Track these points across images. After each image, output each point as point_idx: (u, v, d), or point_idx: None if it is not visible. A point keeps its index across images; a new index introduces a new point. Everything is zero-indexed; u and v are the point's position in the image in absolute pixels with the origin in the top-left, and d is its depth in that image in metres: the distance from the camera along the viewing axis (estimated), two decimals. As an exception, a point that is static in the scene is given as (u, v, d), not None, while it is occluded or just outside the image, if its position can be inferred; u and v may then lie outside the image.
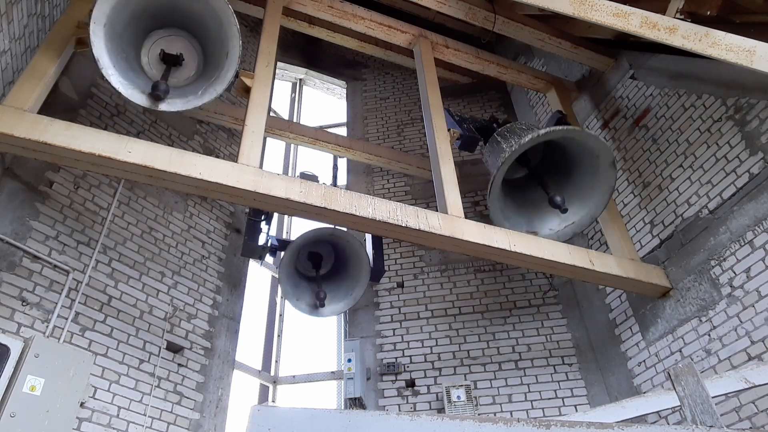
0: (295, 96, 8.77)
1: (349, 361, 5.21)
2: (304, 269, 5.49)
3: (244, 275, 5.90)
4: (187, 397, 4.64)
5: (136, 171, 3.55)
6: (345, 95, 8.54)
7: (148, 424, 4.24)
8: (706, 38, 3.72)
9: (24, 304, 3.89)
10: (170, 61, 4.25)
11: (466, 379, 5.29)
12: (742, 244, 3.92)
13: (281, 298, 6.49)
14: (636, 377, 4.71)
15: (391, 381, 5.44)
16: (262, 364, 5.95)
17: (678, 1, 4.12)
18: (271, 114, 7.38)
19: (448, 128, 4.95)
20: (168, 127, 5.83)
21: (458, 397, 4.97)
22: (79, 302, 4.21)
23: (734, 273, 3.95)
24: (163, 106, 3.87)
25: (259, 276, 6.59)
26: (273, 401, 5.81)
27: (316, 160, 11.84)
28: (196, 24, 4.23)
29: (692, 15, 4.09)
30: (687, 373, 1.86)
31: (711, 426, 1.72)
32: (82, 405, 3.84)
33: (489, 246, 4.16)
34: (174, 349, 4.70)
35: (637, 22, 4.05)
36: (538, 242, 4.37)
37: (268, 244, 5.24)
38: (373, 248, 5.57)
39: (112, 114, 5.30)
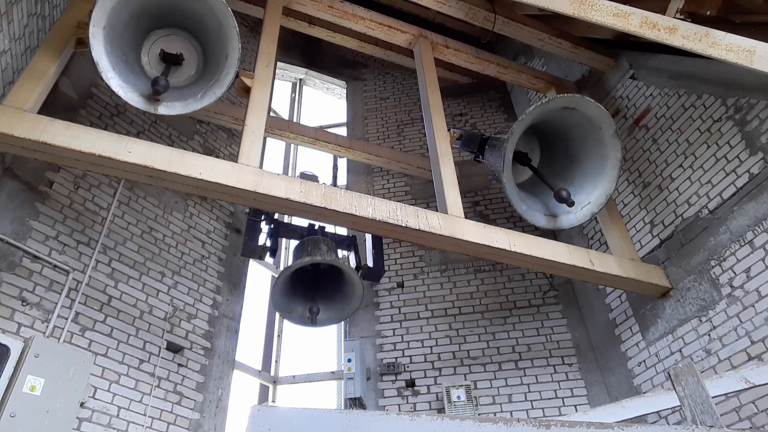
0: (295, 96, 8.77)
1: (349, 361, 5.21)
2: (299, 280, 5.41)
3: (244, 275, 5.90)
4: (187, 397, 4.64)
5: (136, 171, 3.55)
6: (345, 95, 8.54)
7: (148, 424, 4.24)
8: (706, 38, 3.72)
9: (24, 304, 3.89)
10: (170, 61, 4.25)
11: (466, 379, 5.29)
12: (742, 244, 3.92)
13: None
14: (636, 377, 4.71)
15: (391, 381, 5.44)
16: (262, 364, 5.95)
17: (678, 1, 4.12)
18: (271, 114, 7.38)
19: (448, 128, 4.95)
20: (168, 127, 5.83)
21: (458, 397, 4.97)
22: (79, 302, 4.21)
23: (734, 273, 3.95)
24: (163, 110, 3.87)
25: (259, 276, 6.59)
26: (273, 401, 5.81)
27: (316, 160, 11.85)
28: (195, 24, 4.23)
29: (692, 15, 4.10)
30: (687, 373, 1.86)
31: (711, 426, 1.72)
32: (82, 405, 3.84)
33: (489, 246, 4.16)
34: (174, 349, 4.70)
35: (637, 22, 4.05)
36: (538, 242, 4.37)
37: (267, 244, 5.23)
38: (373, 248, 5.57)
39: (112, 114, 5.30)
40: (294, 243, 5.44)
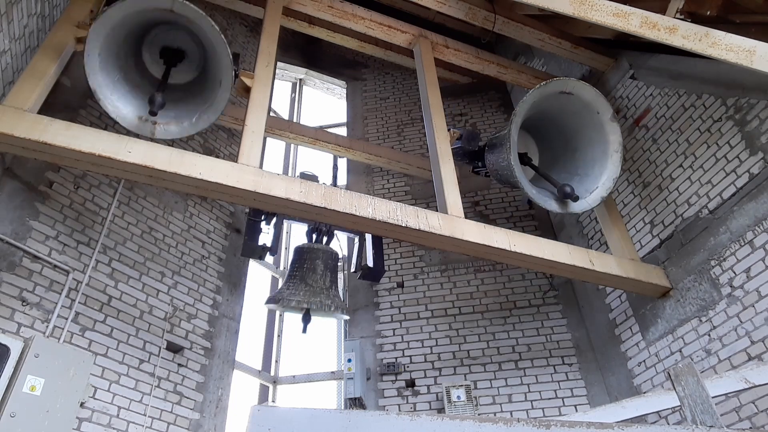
0: (295, 96, 8.77)
1: (349, 361, 5.21)
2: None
3: (244, 275, 5.90)
4: (187, 397, 4.64)
5: (136, 171, 3.55)
6: (345, 95, 8.54)
7: (148, 424, 4.24)
8: (706, 38, 3.72)
9: (24, 304, 3.89)
10: (170, 58, 4.27)
11: (466, 379, 5.29)
12: (742, 244, 3.92)
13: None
14: (636, 377, 4.71)
15: (391, 381, 5.44)
16: (262, 364, 5.95)
17: (678, 1, 4.12)
18: (271, 114, 7.38)
19: (448, 128, 4.96)
20: (168, 127, 5.82)
21: (458, 397, 4.97)
22: (79, 302, 4.21)
23: (734, 273, 3.95)
24: (160, 133, 4.01)
25: (259, 276, 6.59)
26: (273, 401, 5.81)
27: (316, 160, 11.85)
28: (194, 31, 4.28)
29: (692, 15, 4.10)
30: (687, 373, 1.86)
31: (711, 426, 1.72)
32: (82, 405, 3.84)
33: (489, 246, 4.16)
34: (174, 349, 4.70)
35: (637, 22, 4.05)
36: (538, 242, 4.37)
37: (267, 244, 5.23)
38: (373, 248, 5.56)
39: (112, 114, 5.29)
40: (294, 245, 5.43)
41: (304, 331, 4.90)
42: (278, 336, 6.31)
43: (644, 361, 4.65)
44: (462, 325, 5.73)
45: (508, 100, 7.98)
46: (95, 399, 4.02)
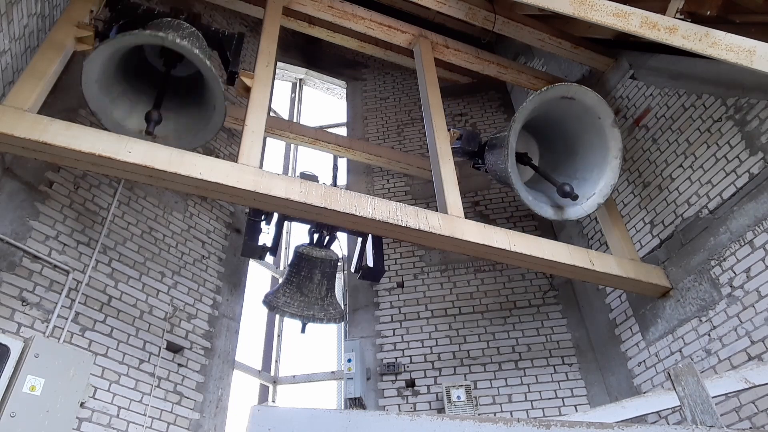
0: (295, 96, 8.77)
1: (349, 361, 5.21)
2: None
3: (244, 275, 5.90)
4: (187, 397, 4.63)
5: (136, 171, 3.55)
6: (345, 95, 8.54)
7: (148, 424, 4.24)
8: (706, 38, 3.72)
9: (24, 304, 3.89)
10: (169, 58, 4.27)
11: (466, 379, 5.29)
12: (742, 244, 3.92)
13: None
14: (636, 377, 4.71)
15: (391, 381, 5.44)
16: (262, 364, 5.95)
17: (678, 1, 4.12)
18: (271, 114, 7.38)
19: (448, 128, 4.96)
20: (168, 127, 5.82)
21: (458, 397, 4.97)
22: (79, 302, 4.21)
23: (734, 273, 3.95)
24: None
25: (259, 276, 6.59)
26: (273, 401, 5.81)
27: (316, 160, 11.85)
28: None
29: (692, 15, 4.10)
30: (687, 373, 1.86)
31: (711, 426, 1.72)
32: (82, 405, 3.84)
33: (489, 246, 4.16)
34: (174, 349, 4.70)
35: (637, 22, 4.05)
36: (538, 242, 4.37)
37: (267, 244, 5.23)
38: (373, 248, 5.56)
39: (112, 114, 5.29)
40: (294, 244, 5.44)
41: (303, 331, 4.92)
42: (278, 336, 6.31)
43: (644, 361, 4.65)
44: (462, 325, 5.73)
45: (508, 100, 7.98)
46: (95, 399, 4.02)
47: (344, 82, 8.62)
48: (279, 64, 7.75)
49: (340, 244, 5.44)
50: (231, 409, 5.00)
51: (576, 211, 4.59)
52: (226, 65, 4.57)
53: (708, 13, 4.12)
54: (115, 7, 4.26)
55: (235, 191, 3.68)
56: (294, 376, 6.01)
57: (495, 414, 5.05)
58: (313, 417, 1.50)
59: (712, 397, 1.85)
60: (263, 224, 5.05)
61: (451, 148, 4.84)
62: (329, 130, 7.55)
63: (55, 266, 4.17)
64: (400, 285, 6.10)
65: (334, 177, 6.28)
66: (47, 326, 3.93)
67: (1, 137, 3.31)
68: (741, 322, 3.81)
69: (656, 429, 1.99)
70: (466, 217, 4.28)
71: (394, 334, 5.75)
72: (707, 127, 4.52)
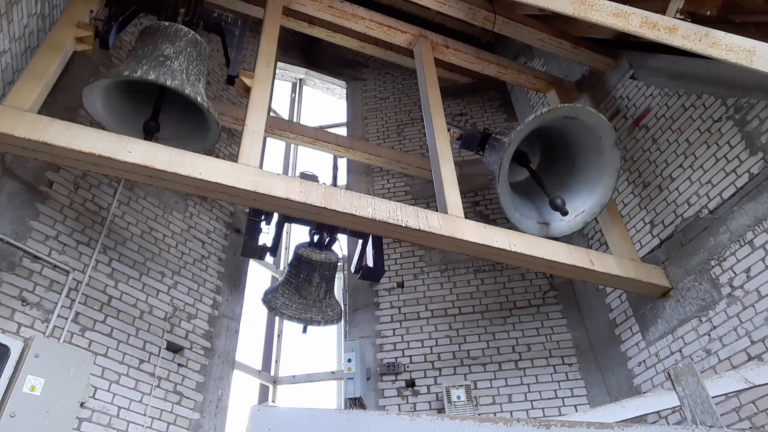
0: (295, 96, 8.77)
1: (349, 361, 5.21)
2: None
3: (244, 275, 5.90)
4: (187, 397, 4.63)
5: (136, 171, 3.55)
6: (345, 95, 8.54)
7: (148, 424, 4.24)
8: (706, 38, 3.72)
9: (24, 304, 3.89)
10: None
11: (466, 379, 5.29)
12: (742, 244, 3.92)
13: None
14: (636, 377, 4.71)
15: (391, 381, 5.44)
16: (262, 364, 5.95)
17: (678, 1, 4.12)
18: (271, 114, 7.38)
19: (448, 128, 4.96)
20: (168, 127, 5.82)
21: (458, 397, 4.97)
22: (79, 302, 4.21)
23: (734, 273, 3.95)
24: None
25: (259, 276, 6.59)
26: (273, 401, 5.81)
27: (316, 160, 11.85)
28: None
29: (692, 15, 4.09)
30: (687, 373, 1.86)
31: (711, 426, 1.72)
32: (82, 405, 3.84)
33: (489, 246, 4.16)
34: (174, 349, 4.70)
35: (637, 22, 4.05)
36: (538, 242, 4.37)
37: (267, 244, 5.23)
38: (373, 248, 5.56)
39: (112, 114, 5.29)
40: (294, 244, 5.44)
41: (305, 331, 4.92)
42: (278, 336, 6.31)
43: (644, 361, 4.65)
44: (462, 325, 5.73)
45: (508, 100, 7.98)
46: (95, 399, 4.02)
47: (344, 82, 8.62)
48: (279, 64, 7.75)
49: (340, 245, 5.44)
50: (231, 409, 5.00)
51: (561, 228, 4.60)
52: (227, 52, 4.55)
53: (708, 13, 4.12)
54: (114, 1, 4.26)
55: (235, 191, 3.69)
56: (294, 376, 6.01)
57: (495, 414, 5.05)
58: (313, 417, 1.50)
59: (712, 397, 1.85)
60: (263, 224, 5.05)
61: (452, 146, 4.83)
62: (329, 130, 7.55)
63: (55, 266, 4.17)
64: (400, 285, 6.10)
65: (334, 177, 6.28)
66: (47, 326, 3.93)
67: (1, 137, 3.31)
68: (741, 322, 3.81)
69: (656, 429, 1.99)
70: (466, 217, 4.28)
71: (394, 334, 5.75)
72: (707, 127, 4.52)
